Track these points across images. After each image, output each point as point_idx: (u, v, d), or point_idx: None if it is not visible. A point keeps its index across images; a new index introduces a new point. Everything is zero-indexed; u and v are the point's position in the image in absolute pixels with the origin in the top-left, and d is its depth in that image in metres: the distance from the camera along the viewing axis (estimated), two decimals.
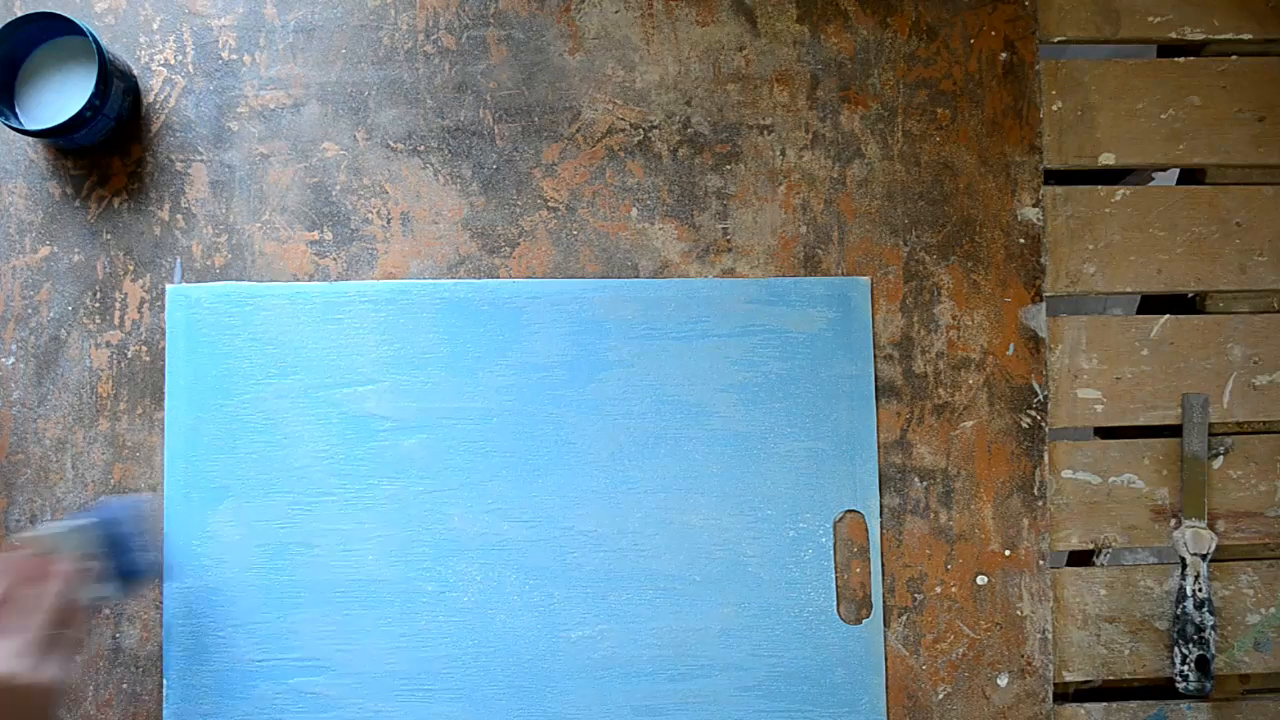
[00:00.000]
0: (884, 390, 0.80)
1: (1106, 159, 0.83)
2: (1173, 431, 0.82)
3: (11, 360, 0.77)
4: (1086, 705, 0.80)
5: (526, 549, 0.77)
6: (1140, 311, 0.87)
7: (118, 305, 0.78)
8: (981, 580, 0.79)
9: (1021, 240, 0.81)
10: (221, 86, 0.79)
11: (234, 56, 0.79)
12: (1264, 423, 0.82)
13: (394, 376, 0.78)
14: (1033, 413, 0.80)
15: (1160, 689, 0.81)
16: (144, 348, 0.78)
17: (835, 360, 0.79)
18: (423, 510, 0.77)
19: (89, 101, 0.72)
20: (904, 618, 0.79)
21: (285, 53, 0.80)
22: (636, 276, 0.80)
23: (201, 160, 0.79)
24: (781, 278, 0.80)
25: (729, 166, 0.81)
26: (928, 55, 0.82)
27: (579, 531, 0.77)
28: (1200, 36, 0.84)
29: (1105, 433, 0.85)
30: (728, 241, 0.80)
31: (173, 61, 0.79)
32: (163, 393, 0.77)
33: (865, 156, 0.81)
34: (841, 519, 0.79)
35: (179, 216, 0.79)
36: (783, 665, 0.77)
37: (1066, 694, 0.81)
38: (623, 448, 0.78)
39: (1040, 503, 0.80)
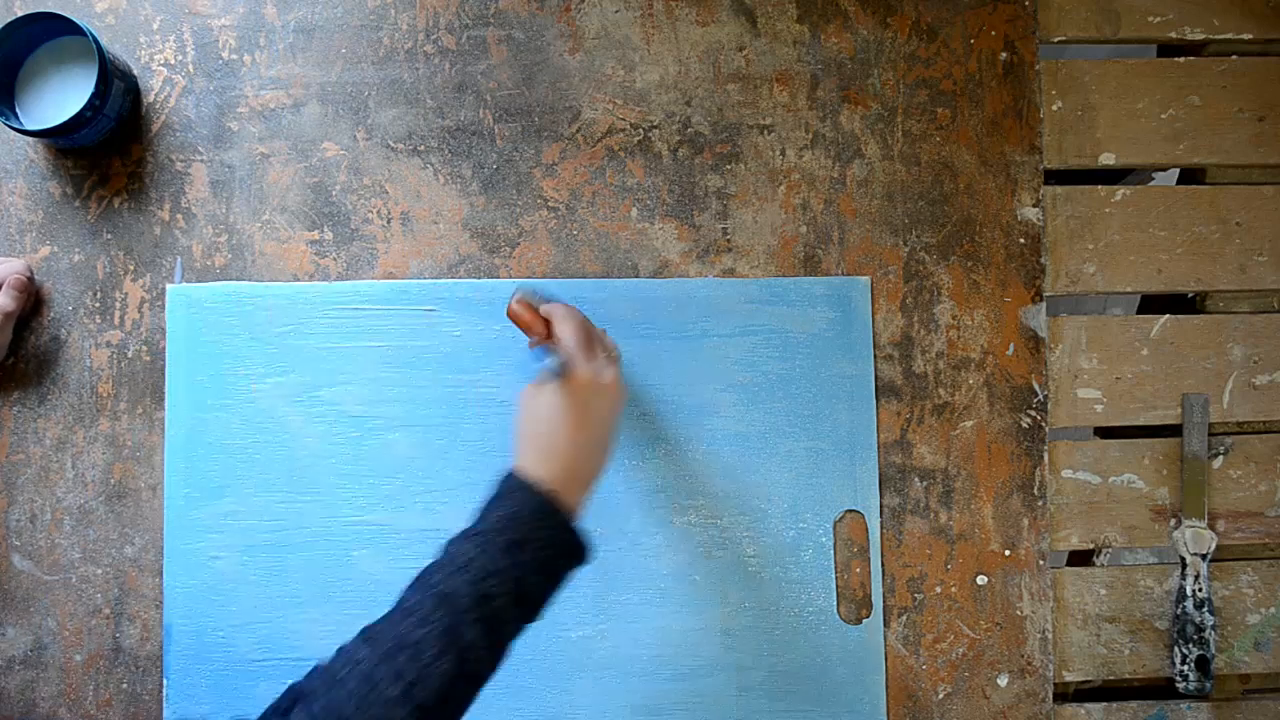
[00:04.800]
0: (884, 390, 0.80)
1: (1106, 159, 0.83)
2: (1173, 431, 0.82)
3: (11, 360, 0.77)
4: (1086, 705, 0.80)
5: None
6: (1140, 311, 0.87)
7: (118, 305, 0.78)
8: (981, 580, 0.79)
9: (1021, 240, 0.81)
10: (221, 86, 0.79)
11: (234, 56, 0.79)
12: (1264, 423, 0.82)
13: (394, 376, 0.78)
14: (1033, 413, 0.80)
15: (1160, 689, 0.81)
16: (144, 348, 0.78)
17: (835, 360, 0.79)
18: (422, 510, 0.77)
19: (89, 101, 0.72)
20: (904, 618, 0.79)
21: (285, 53, 0.80)
22: (636, 276, 0.80)
23: (201, 160, 0.79)
24: (781, 278, 0.80)
25: (729, 166, 0.81)
26: (928, 55, 0.82)
27: None
28: (1200, 36, 0.84)
29: (1105, 433, 0.85)
30: (728, 241, 0.80)
31: (173, 61, 0.79)
32: (163, 393, 0.77)
33: (865, 156, 0.81)
34: (841, 519, 0.79)
35: (179, 216, 0.79)
36: (783, 665, 0.77)
37: (1066, 694, 0.81)
38: (622, 447, 0.78)
39: (1040, 503, 0.80)
